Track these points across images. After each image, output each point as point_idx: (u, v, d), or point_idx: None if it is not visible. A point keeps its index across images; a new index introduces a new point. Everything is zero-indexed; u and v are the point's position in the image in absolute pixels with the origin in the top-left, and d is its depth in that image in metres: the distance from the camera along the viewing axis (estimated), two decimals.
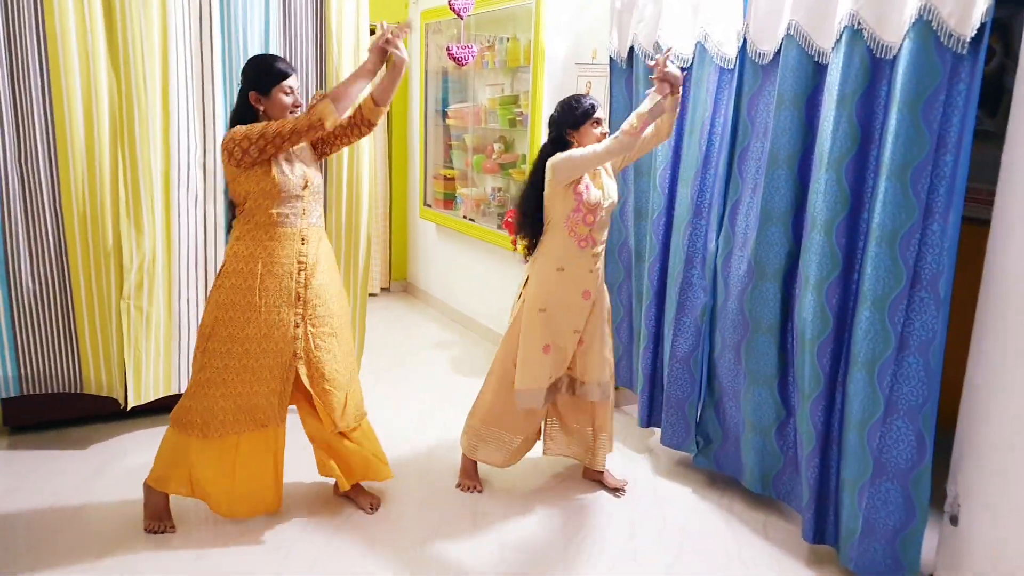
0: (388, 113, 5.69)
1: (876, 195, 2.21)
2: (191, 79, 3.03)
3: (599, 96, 3.72)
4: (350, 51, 3.26)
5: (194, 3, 2.97)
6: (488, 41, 4.75)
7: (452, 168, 5.34)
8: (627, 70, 3.42)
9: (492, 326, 4.83)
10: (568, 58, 3.94)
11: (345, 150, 3.34)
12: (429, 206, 5.49)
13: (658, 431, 3.36)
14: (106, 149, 2.92)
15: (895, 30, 2.19)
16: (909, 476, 2.22)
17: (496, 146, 4.76)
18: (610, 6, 3.44)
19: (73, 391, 3.18)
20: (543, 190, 2.70)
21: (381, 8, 5.25)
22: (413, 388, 4.06)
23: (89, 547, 2.47)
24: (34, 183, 2.91)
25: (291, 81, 2.39)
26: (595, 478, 3.03)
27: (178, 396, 3.25)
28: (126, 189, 2.97)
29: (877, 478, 2.25)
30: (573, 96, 2.75)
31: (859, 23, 2.26)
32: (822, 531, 2.48)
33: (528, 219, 2.78)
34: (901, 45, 2.15)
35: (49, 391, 3.15)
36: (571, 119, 2.68)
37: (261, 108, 2.39)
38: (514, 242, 3.97)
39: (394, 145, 5.81)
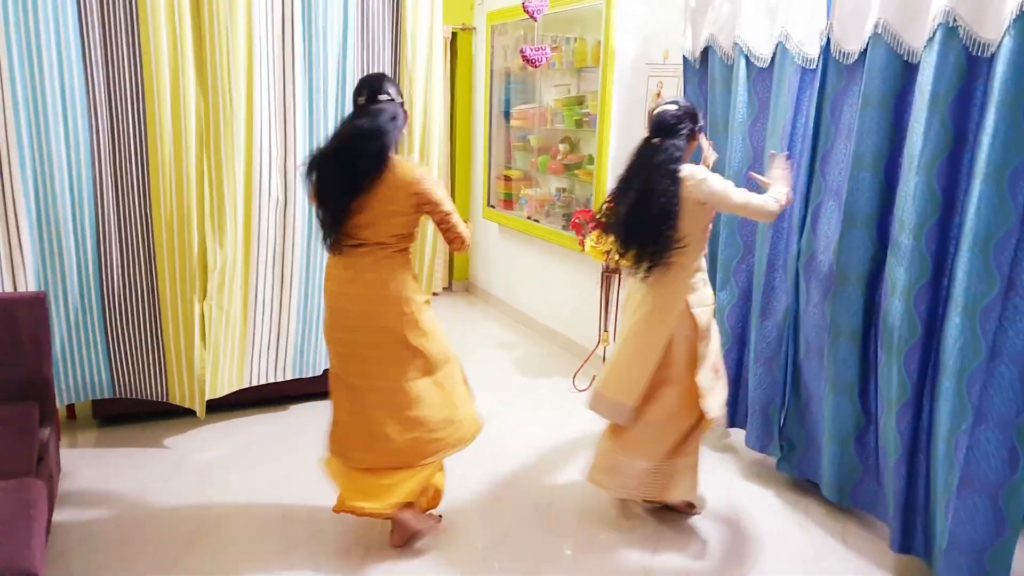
0: (451, 114, 5.75)
1: (970, 199, 2.13)
2: (273, 87, 3.11)
3: (671, 96, 3.69)
4: (423, 54, 3.30)
5: (276, 14, 3.05)
6: (554, 42, 4.75)
7: (515, 169, 5.36)
8: (701, 70, 3.38)
9: (556, 327, 4.83)
10: (638, 58, 3.91)
11: (416, 152, 3.39)
12: (492, 207, 5.52)
13: (736, 431, 3.35)
14: (192, 156, 3.01)
15: (994, 27, 2.11)
16: (1000, 489, 2.13)
17: (561, 147, 4.75)
18: (683, 5, 3.41)
19: (160, 400, 3.30)
20: (674, 202, 2.41)
21: (447, 10, 5.29)
22: (478, 388, 4.08)
23: (170, 543, 2.57)
24: (126, 190, 3.03)
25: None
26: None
27: (249, 390, 3.39)
28: (211, 194, 3.08)
29: (964, 490, 2.17)
30: (684, 99, 2.65)
31: (955, 20, 2.18)
32: (909, 542, 2.41)
33: (660, 236, 2.42)
34: (1000, 43, 2.07)
35: (139, 398, 3.27)
36: (698, 122, 2.57)
37: None
38: (581, 243, 3.96)
39: (457, 146, 5.86)
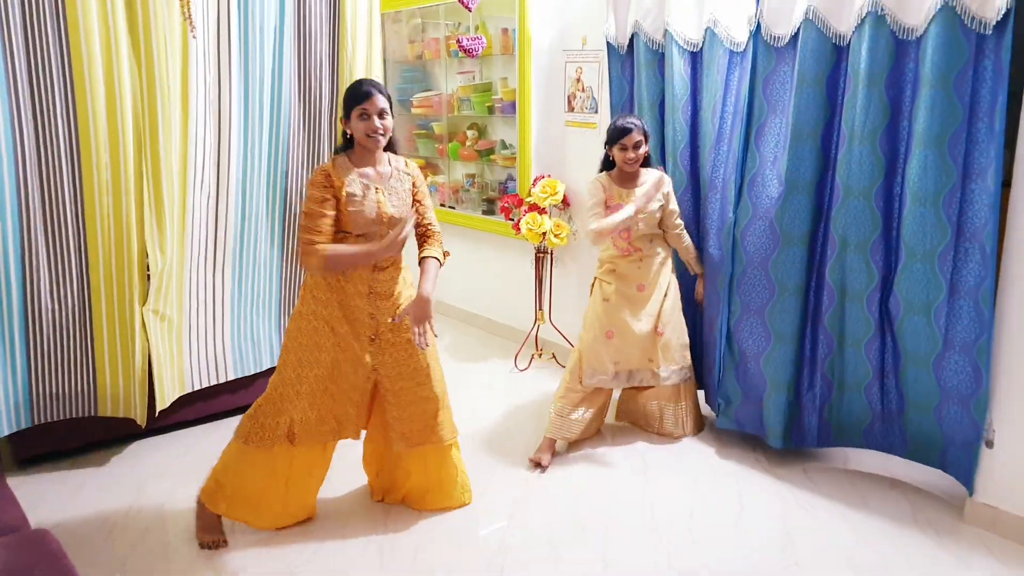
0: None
1: (911, 162, 2.49)
2: (208, 77, 2.94)
3: (592, 81, 3.87)
4: (363, 45, 3.24)
5: (211, 6, 2.89)
6: (455, 29, 4.77)
7: (417, 157, 5.34)
8: (626, 56, 3.57)
9: (479, 311, 4.91)
10: (554, 45, 4.04)
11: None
12: None
13: None
14: (131, 156, 2.79)
15: (917, 15, 2.46)
16: (971, 400, 2.57)
17: (469, 133, 4.81)
18: None
19: (87, 414, 3.03)
20: None
21: None
22: None
23: (154, 568, 2.42)
24: (57, 198, 2.75)
25: (368, 104, 2.31)
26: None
27: (192, 395, 3.26)
28: (149, 195, 2.87)
29: (944, 402, 2.64)
30: (620, 116, 3.05)
31: (881, 9, 2.51)
32: (889, 442, 2.89)
33: None
34: (927, 28, 2.42)
35: (61, 417, 2.98)
36: (607, 137, 3.04)
37: (348, 132, 2.40)
38: (516, 226, 4.07)
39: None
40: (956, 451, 2.66)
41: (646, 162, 3.10)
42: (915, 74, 2.51)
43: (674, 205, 3.16)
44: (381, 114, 2.34)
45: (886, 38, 2.52)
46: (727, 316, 3.17)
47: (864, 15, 2.55)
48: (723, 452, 3.19)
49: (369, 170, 2.40)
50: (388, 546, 2.54)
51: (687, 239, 3.23)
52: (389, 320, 2.47)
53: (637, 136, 2.96)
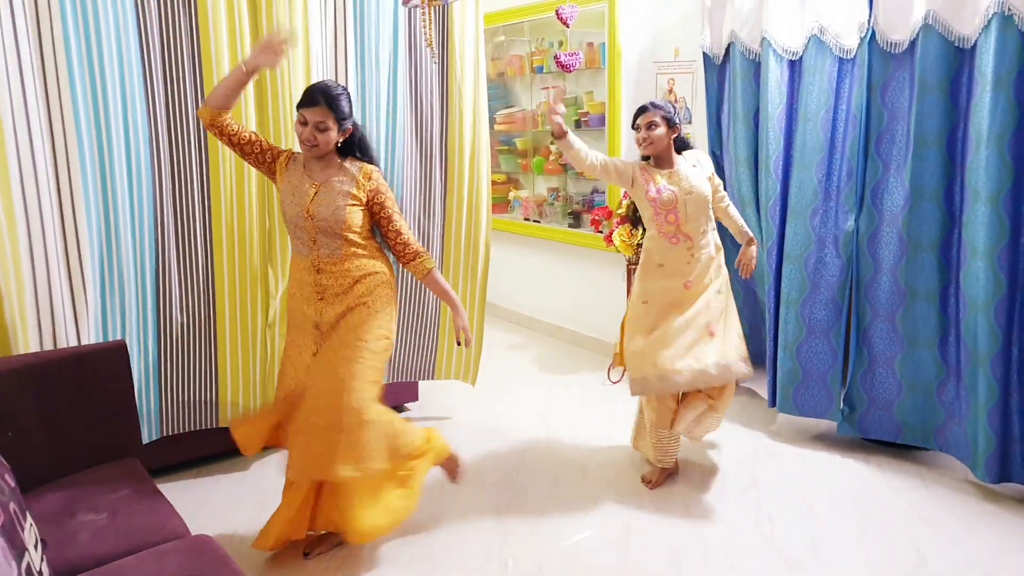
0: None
1: None
2: None
3: (685, 92, 3.87)
4: (471, 68, 3.31)
5: (329, 34, 3.00)
6: (539, 45, 4.83)
7: (499, 173, 5.40)
8: (722, 66, 3.56)
9: (565, 324, 4.91)
10: (644, 57, 4.05)
11: (467, 154, 3.38)
12: None
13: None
14: (254, 175, 2.90)
15: None
16: None
17: (553, 148, 4.84)
18: (700, 5, 3.58)
19: (211, 426, 3.14)
20: None
21: None
22: (510, 390, 4.12)
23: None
24: (188, 216, 2.87)
25: (308, 112, 2.23)
26: None
27: None
28: (272, 217, 2.96)
29: None
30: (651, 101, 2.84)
31: (1008, 9, 2.46)
32: (1008, 471, 2.71)
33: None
34: None
35: (188, 428, 3.09)
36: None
37: None
38: (608, 239, 4.07)
39: None
40: None
41: (684, 146, 2.90)
42: None
43: (718, 181, 2.91)
44: (319, 126, 2.22)
45: (1014, 38, 2.47)
46: (856, 322, 3.13)
47: (990, 16, 2.51)
48: (837, 461, 3.13)
49: (316, 168, 2.34)
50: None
51: (733, 208, 2.99)
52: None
53: (651, 117, 2.74)
